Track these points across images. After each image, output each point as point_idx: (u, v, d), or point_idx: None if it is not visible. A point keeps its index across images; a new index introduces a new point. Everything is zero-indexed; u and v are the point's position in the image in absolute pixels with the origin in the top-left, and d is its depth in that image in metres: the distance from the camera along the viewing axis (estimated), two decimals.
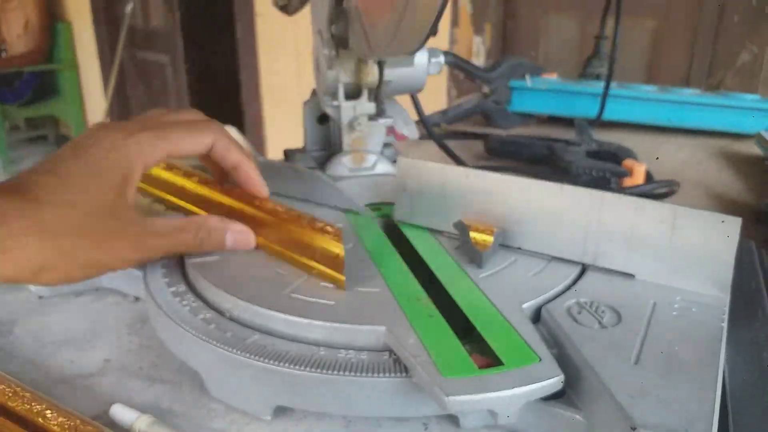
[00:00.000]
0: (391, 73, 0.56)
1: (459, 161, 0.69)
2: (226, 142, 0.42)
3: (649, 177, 0.70)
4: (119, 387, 0.35)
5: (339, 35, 0.51)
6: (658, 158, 0.76)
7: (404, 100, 0.65)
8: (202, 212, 0.44)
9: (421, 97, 0.65)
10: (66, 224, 0.34)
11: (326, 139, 0.65)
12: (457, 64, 0.85)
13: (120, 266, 0.38)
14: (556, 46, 1.83)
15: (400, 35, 0.43)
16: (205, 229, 0.40)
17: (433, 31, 0.42)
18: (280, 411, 0.33)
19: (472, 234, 0.42)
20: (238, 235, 0.41)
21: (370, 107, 0.57)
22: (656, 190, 0.67)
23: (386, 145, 0.62)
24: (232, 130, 0.53)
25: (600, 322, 0.34)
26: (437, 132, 0.88)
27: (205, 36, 2.89)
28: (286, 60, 2.36)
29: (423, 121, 0.67)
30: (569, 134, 0.80)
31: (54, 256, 0.34)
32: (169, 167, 0.48)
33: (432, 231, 0.46)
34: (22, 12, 3.29)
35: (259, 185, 0.43)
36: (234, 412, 0.33)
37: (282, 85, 2.46)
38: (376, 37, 0.47)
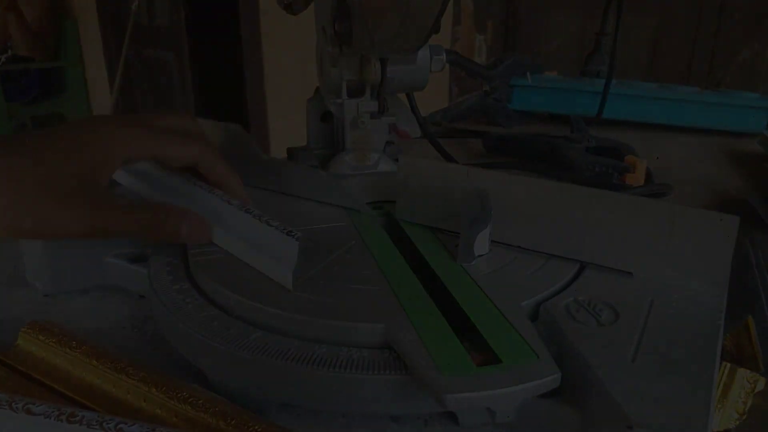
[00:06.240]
0: (394, 71, 0.56)
1: (450, 159, 0.69)
2: (212, 156, 0.43)
3: (649, 175, 0.70)
4: None
5: (342, 32, 0.52)
6: (657, 157, 0.77)
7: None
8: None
9: (423, 95, 0.65)
10: (31, 175, 0.35)
11: (329, 136, 0.65)
12: (459, 62, 0.85)
13: (75, 230, 0.37)
14: (558, 44, 1.82)
15: (403, 33, 0.43)
16: (163, 212, 0.39)
17: (436, 28, 0.43)
18: (282, 408, 0.34)
19: None
20: (194, 225, 0.40)
21: (373, 105, 0.57)
22: (649, 193, 0.67)
23: (388, 143, 0.62)
24: (236, 128, 0.54)
25: (598, 320, 0.34)
26: (439, 130, 0.88)
27: (210, 34, 2.89)
28: (290, 58, 2.36)
29: (417, 119, 0.67)
30: (569, 132, 0.80)
31: (10, 202, 0.35)
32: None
33: (433, 229, 0.46)
34: (28, 9, 3.30)
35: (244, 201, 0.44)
36: None
37: (286, 83, 2.46)
38: (379, 35, 0.47)
